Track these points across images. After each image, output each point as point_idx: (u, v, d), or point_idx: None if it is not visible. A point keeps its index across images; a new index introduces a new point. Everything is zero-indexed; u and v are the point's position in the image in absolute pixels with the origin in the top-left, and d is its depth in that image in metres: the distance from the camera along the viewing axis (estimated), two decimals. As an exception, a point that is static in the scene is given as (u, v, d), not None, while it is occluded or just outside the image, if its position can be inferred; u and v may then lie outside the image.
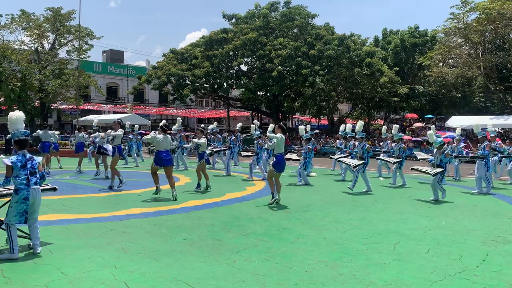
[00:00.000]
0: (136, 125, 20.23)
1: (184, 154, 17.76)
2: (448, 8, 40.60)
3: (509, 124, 27.26)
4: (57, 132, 17.20)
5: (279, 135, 9.14)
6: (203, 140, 11.17)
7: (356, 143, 12.18)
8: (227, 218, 7.45)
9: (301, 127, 13.46)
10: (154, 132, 9.62)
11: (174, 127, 16.82)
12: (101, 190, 10.76)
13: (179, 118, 17.61)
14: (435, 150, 10.27)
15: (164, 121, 10.74)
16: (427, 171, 9.95)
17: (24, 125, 5.62)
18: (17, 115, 5.54)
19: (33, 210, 5.26)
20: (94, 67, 45.67)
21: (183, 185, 12.19)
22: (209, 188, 10.85)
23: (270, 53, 31.30)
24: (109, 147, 11.42)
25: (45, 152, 14.08)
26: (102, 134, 13.56)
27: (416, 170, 10.58)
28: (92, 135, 16.33)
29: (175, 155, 16.21)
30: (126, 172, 15.84)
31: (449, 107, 41.18)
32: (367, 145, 11.75)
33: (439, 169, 9.77)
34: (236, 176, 14.58)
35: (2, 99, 26.99)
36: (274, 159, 9.04)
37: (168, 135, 9.69)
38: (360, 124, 12.52)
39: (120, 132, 11.48)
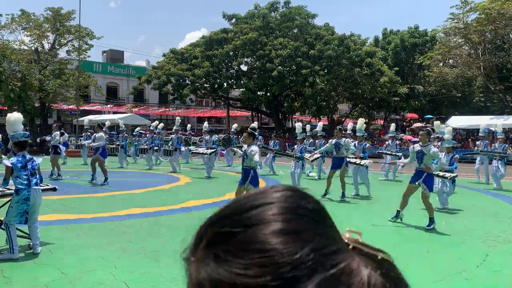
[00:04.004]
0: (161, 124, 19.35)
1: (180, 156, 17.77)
2: (448, 8, 40.50)
3: (509, 124, 27.22)
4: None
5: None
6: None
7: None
8: (227, 218, 7.44)
9: (298, 124, 13.13)
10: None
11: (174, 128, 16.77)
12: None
13: (178, 118, 17.48)
14: (444, 153, 9.11)
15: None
16: (439, 175, 8.86)
17: (22, 126, 5.57)
18: (15, 117, 5.48)
19: (34, 210, 5.25)
20: (94, 67, 45.63)
21: (183, 185, 12.21)
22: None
23: (270, 53, 31.29)
24: (63, 148, 12.58)
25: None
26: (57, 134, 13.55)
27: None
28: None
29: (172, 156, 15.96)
30: (126, 172, 15.84)
31: (449, 107, 41.14)
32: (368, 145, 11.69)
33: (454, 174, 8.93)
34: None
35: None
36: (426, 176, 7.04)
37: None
38: (393, 126, 12.11)
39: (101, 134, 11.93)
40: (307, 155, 13.38)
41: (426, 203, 7.05)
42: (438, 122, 12.03)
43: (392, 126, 12.01)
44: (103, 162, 11.69)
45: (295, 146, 12.47)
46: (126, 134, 18.68)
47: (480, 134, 14.44)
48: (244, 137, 7.03)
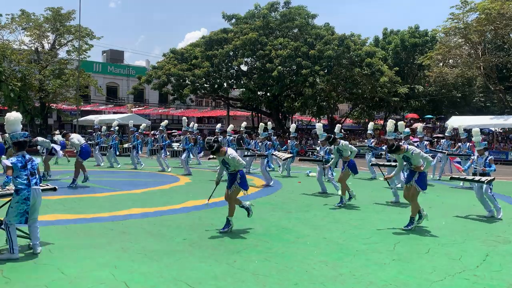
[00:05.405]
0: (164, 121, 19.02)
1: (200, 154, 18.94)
2: (448, 8, 40.54)
3: (509, 124, 27.22)
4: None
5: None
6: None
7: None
8: (227, 218, 7.44)
9: (319, 125, 12.17)
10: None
11: (184, 128, 16.70)
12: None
13: (184, 118, 17.32)
14: (476, 155, 8.45)
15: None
16: (474, 179, 8.09)
17: (21, 126, 5.55)
18: (15, 116, 5.46)
19: (34, 210, 5.25)
20: (94, 67, 45.65)
21: (183, 185, 12.21)
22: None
23: (270, 53, 31.28)
24: (59, 148, 12.50)
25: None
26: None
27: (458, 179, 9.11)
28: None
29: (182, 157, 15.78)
30: (126, 172, 15.83)
31: (449, 107, 41.18)
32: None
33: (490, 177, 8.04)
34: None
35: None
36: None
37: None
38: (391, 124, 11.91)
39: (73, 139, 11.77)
40: (278, 154, 13.38)
41: (413, 202, 7.01)
42: (402, 122, 12.84)
43: (390, 124, 11.73)
44: (80, 162, 11.38)
45: (318, 148, 11.78)
46: (100, 132, 18.47)
47: (446, 134, 15.23)
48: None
